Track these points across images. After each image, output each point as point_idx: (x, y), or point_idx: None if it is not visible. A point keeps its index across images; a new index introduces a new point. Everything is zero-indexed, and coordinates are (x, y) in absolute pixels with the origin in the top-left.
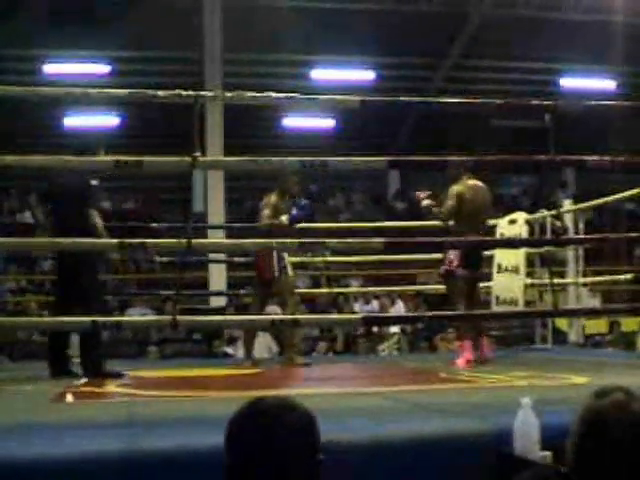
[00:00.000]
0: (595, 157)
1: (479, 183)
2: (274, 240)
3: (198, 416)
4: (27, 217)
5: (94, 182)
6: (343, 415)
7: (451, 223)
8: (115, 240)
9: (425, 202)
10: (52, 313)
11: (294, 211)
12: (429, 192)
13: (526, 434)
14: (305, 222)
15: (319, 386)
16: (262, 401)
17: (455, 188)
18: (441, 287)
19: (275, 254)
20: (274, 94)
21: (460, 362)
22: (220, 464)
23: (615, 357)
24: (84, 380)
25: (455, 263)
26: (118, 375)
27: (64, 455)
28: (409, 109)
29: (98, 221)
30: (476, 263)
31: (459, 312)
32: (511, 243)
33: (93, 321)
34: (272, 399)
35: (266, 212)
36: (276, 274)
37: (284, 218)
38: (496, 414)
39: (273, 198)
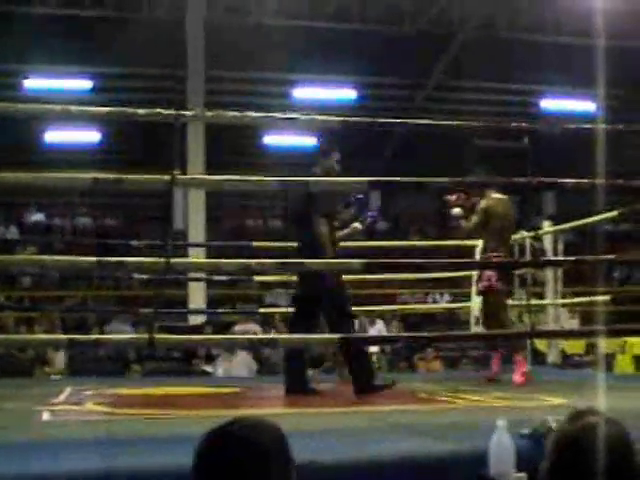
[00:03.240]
0: (573, 180)
1: (504, 196)
2: (253, 261)
3: (175, 435)
4: (8, 233)
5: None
6: (321, 436)
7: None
8: (93, 258)
9: (455, 211)
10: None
11: (369, 215)
12: (462, 196)
13: (501, 456)
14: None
15: (297, 405)
16: (232, 424)
17: (483, 203)
18: (420, 307)
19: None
20: (254, 114)
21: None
22: None
23: (593, 378)
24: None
25: (494, 278)
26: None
27: (41, 474)
28: (391, 128)
29: (323, 229)
30: (510, 276)
31: (443, 333)
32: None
33: (70, 339)
34: (242, 421)
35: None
36: None
37: (357, 225)
38: (473, 435)
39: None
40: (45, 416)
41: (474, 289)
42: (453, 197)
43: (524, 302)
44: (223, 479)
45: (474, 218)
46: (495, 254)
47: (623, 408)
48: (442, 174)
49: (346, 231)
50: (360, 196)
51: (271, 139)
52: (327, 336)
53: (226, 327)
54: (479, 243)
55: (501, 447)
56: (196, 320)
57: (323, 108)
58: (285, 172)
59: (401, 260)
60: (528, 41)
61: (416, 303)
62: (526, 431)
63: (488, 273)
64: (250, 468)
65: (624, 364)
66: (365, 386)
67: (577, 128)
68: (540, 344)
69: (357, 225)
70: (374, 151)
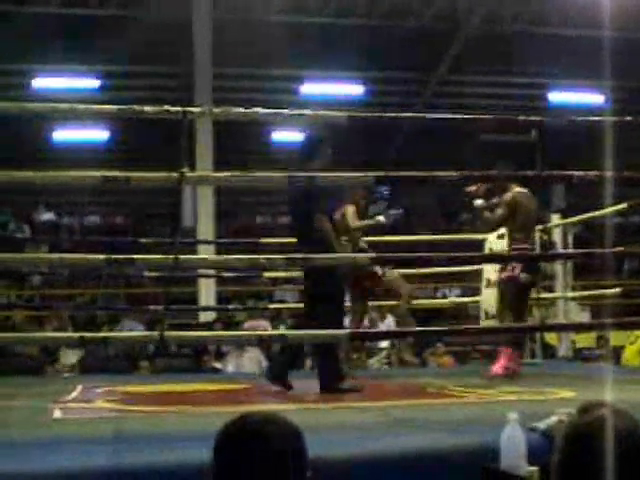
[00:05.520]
0: (581, 172)
1: (526, 190)
2: (261, 257)
3: (185, 431)
4: (20, 232)
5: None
6: (330, 431)
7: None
8: (102, 256)
9: (478, 202)
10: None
11: (390, 212)
12: (484, 186)
13: (513, 449)
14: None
15: (307, 401)
16: (247, 418)
17: (508, 196)
18: (429, 302)
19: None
20: (261, 110)
21: (496, 369)
22: None
23: (604, 372)
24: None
25: (518, 269)
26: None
27: (51, 471)
28: (398, 123)
29: (326, 225)
30: (536, 268)
31: (446, 328)
32: (498, 258)
33: (81, 336)
34: (257, 415)
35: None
36: (380, 271)
37: (381, 218)
38: (483, 429)
39: (351, 208)
40: (56, 414)
41: (483, 283)
42: (473, 188)
43: (534, 295)
44: (241, 473)
45: (499, 211)
46: (522, 246)
47: (633, 401)
48: (449, 168)
49: (369, 222)
50: (386, 190)
51: (279, 135)
52: (336, 332)
53: (236, 324)
54: (487, 237)
55: (512, 441)
56: (206, 317)
57: (331, 104)
58: (294, 169)
59: (409, 254)
60: (534, 34)
61: (425, 298)
62: (537, 425)
63: (513, 263)
64: (267, 462)
65: (631, 357)
66: (331, 386)
67: (585, 120)
68: (551, 338)
69: (381, 218)
70: (378, 148)
